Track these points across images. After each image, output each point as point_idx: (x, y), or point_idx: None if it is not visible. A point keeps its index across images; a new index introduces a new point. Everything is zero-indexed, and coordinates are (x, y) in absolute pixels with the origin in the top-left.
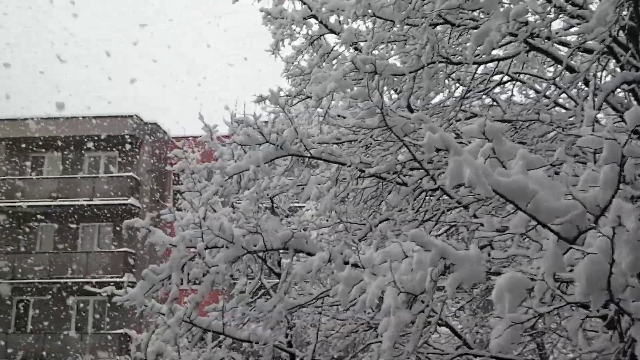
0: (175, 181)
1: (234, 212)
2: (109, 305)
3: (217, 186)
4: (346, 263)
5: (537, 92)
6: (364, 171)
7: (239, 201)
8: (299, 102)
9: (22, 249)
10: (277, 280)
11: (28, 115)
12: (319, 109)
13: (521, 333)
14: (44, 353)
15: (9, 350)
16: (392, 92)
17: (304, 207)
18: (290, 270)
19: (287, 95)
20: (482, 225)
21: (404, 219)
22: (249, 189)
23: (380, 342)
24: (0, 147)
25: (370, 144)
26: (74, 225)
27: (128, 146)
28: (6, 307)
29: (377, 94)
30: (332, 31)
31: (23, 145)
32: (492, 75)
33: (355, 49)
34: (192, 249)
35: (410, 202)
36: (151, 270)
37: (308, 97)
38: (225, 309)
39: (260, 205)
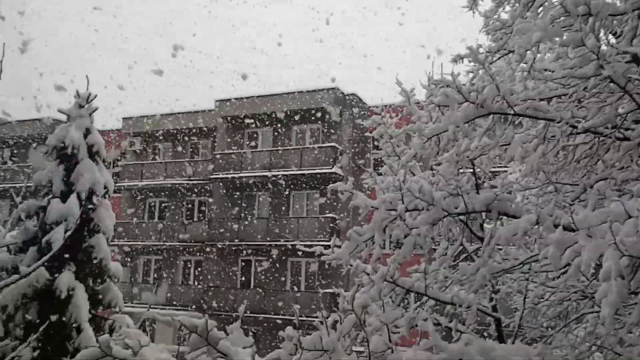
0: (375, 149)
1: (433, 175)
2: (318, 266)
3: (415, 149)
4: (556, 226)
5: None
6: (576, 127)
7: (438, 164)
8: (499, 58)
9: (243, 215)
10: (480, 245)
11: (240, 94)
12: (522, 64)
13: None
14: (264, 306)
15: (235, 305)
16: (610, 36)
17: (507, 168)
18: (493, 234)
19: (487, 52)
20: None
21: (626, 177)
22: (447, 151)
23: (597, 312)
24: (222, 125)
25: (584, 96)
26: (285, 193)
27: (330, 118)
28: (232, 266)
29: (591, 38)
30: None
31: (240, 123)
32: None
33: None
34: (392, 212)
35: (634, 158)
36: (355, 232)
37: (510, 51)
38: (427, 270)
39: (460, 167)
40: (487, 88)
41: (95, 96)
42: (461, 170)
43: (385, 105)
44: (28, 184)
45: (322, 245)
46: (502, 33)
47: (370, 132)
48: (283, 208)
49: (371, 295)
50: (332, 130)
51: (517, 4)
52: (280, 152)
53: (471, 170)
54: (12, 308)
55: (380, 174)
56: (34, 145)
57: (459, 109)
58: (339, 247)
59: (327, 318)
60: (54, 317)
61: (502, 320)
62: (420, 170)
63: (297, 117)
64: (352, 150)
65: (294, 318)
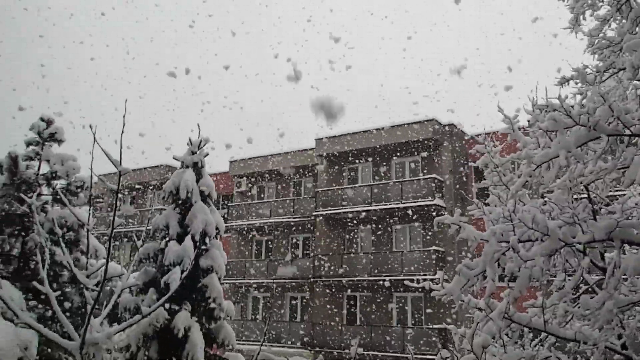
0: (477, 179)
1: (544, 204)
2: (424, 301)
3: (525, 177)
4: None
5: None
6: None
7: (549, 192)
8: (609, 77)
9: (346, 250)
10: (601, 276)
11: (339, 132)
12: (634, 81)
13: None
14: (371, 343)
15: (342, 342)
16: None
17: (625, 193)
18: (618, 264)
19: (595, 72)
20: None
21: None
22: (559, 178)
23: None
24: (323, 162)
25: None
26: (388, 227)
27: (430, 149)
28: (338, 302)
29: None
30: None
31: (339, 159)
32: None
33: None
34: (503, 244)
35: None
36: (465, 266)
37: (621, 69)
38: (545, 305)
39: (574, 194)
40: (599, 109)
41: (207, 142)
42: (574, 196)
43: (488, 133)
44: (148, 227)
45: (428, 279)
46: (609, 51)
47: (474, 162)
48: (386, 242)
49: (488, 332)
50: (432, 161)
51: (624, 20)
52: (380, 186)
53: (585, 196)
54: (134, 347)
55: (487, 204)
56: (151, 190)
57: (569, 133)
58: (448, 281)
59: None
60: (173, 356)
61: (634, 359)
62: (529, 199)
63: (396, 151)
64: (454, 180)
65: (402, 355)
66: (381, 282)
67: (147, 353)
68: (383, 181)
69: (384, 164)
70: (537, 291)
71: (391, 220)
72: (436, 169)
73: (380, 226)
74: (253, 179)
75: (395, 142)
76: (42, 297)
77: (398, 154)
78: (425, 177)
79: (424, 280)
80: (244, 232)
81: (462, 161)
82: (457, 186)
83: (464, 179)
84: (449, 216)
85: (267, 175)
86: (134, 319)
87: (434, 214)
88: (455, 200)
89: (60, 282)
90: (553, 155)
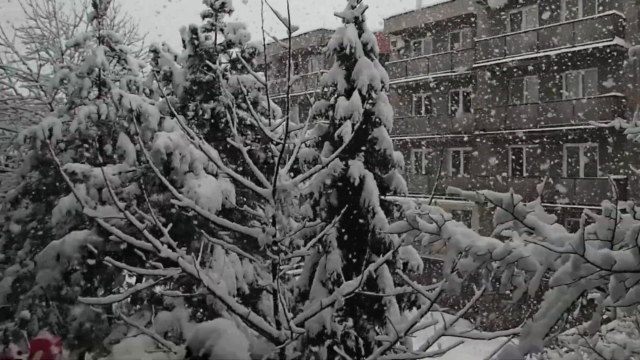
0: None
1: None
2: (599, 151)
3: None
4: None
5: None
6: None
7: None
8: None
9: (510, 101)
10: None
11: None
12: None
13: None
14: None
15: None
16: None
17: None
18: None
19: None
20: None
21: None
22: None
23: None
24: (481, 10)
25: None
26: (556, 74)
27: None
28: (502, 155)
29: None
30: None
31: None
32: None
33: None
34: None
35: None
36: None
37: None
38: None
39: None
40: None
41: None
42: None
43: None
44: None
45: (604, 126)
46: None
47: None
48: (554, 91)
49: None
50: None
51: None
52: (548, 29)
53: None
54: (317, 194)
55: None
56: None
57: None
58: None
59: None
60: (351, 202)
61: None
62: None
63: None
64: (639, 15)
65: (572, 206)
66: (550, 132)
67: (327, 199)
68: (551, 23)
69: (552, 3)
70: None
71: (561, 67)
72: (614, 2)
73: (548, 74)
74: (408, 36)
75: None
76: (233, 153)
77: None
78: (602, 14)
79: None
80: (403, 90)
81: None
82: None
83: None
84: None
85: (422, 29)
86: (315, 168)
87: (614, 55)
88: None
89: (246, 141)
90: None
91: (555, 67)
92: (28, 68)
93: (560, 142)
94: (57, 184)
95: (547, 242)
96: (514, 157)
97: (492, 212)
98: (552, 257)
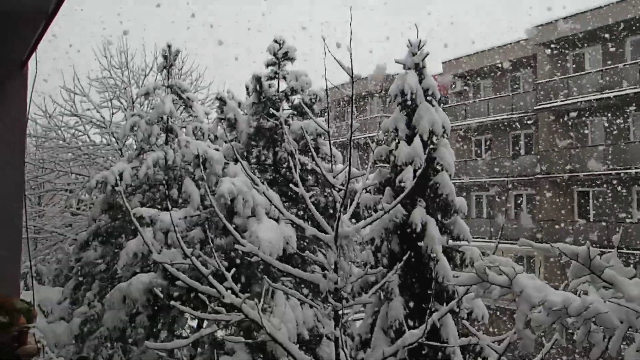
0: None
1: None
2: None
3: None
4: None
5: None
6: None
7: None
8: None
9: (574, 144)
10: None
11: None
12: None
13: None
14: (606, 240)
15: (571, 239)
16: None
17: None
18: None
19: None
20: None
21: None
22: None
23: None
24: (543, 52)
25: None
26: (623, 115)
27: None
28: (567, 198)
29: None
30: None
31: (562, 46)
32: None
33: None
34: None
35: None
36: None
37: None
38: None
39: None
40: None
41: (425, 42)
42: None
43: None
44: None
45: None
46: None
47: None
48: (621, 132)
49: None
50: None
51: None
52: (612, 70)
53: None
54: (378, 240)
55: None
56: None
57: None
58: None
59: None
60: (412, 249)
61: None
62: None
63: (629, 28)
64: None
65: None
66: (618, 176)
67: (389, 246)
68: (616, 64)
69: (616, 45)
70: None
71: (627, 107)
72: None
73: (614, 115)
74: (467, 78)
75: (627, 18)
76: (293, 198)
77: (632, 31)
78: None
79: None
80: (462, 132)
81: None
82: None
83: None
84: None
85: (481, 72)
86: (377, 214)
87: None
88: None
89: (307, 186)
90: None
91: (622, 108)
92: (101, 116)
93: (628, 186)
94: (125, 227)
95: (626, 301)
96: (580, 200)
97: (558, 259)
98: (632, 315)
